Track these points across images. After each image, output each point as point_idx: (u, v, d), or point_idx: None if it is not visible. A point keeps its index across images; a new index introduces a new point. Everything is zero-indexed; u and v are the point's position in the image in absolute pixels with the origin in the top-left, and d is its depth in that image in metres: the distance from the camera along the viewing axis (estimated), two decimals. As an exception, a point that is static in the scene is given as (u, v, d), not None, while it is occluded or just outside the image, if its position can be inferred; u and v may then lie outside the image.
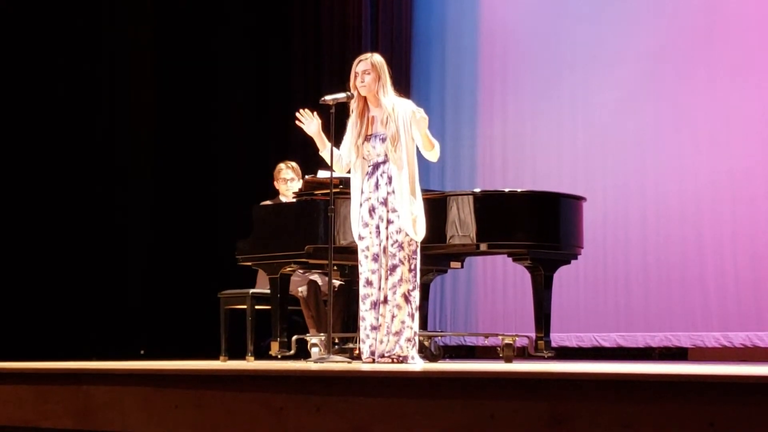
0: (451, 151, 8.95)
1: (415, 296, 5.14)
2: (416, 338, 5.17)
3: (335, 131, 5.40)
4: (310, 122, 5.37)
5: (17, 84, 8.31)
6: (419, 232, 5.14)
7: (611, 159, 8.18)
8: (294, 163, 6.95)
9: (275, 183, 6.94)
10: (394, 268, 5.11)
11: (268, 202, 6.73)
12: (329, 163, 5.39)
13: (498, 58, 8.89)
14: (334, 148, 5.35)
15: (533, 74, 8.65)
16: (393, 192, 5.14)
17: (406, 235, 5.11)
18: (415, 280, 5.14)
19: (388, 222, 5.15)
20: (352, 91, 5.25)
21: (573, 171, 8.30)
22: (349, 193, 5.58)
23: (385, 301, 5.12)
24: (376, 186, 5.19)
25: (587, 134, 8.34)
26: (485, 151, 8.88)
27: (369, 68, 5.19)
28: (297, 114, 5.40)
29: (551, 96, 8.52)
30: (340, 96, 5.33)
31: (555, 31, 8.58)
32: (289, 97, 9.13)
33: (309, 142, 6.02)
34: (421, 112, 5.14)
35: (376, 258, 5.16)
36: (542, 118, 8.57)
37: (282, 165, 6.95)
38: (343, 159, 5.35)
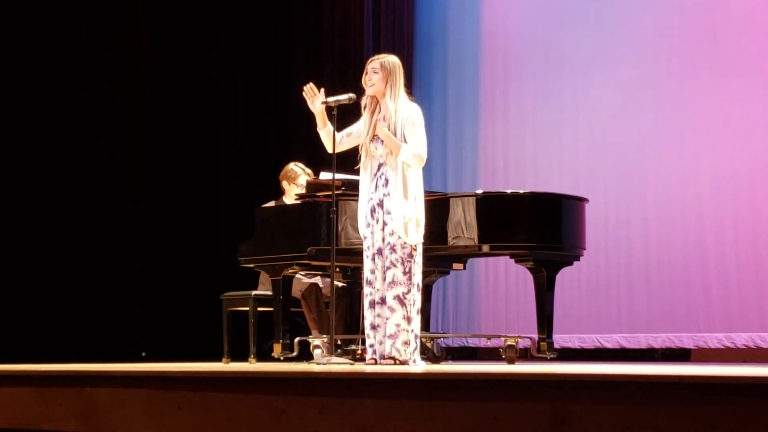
0: (453, 152, 8.95)
1: (412, 299, 5.08)
2: (417, 341, 5.14)
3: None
4: (315, 98, 5.32)
5: (16, 85, 8.29)
6: (412, 235, 5.11)
7: (613, 160, 8.18)
8: (309, 170, 6.75)
9: (285, 182, 6.77)
10: (387, 269, 5.11)
11: (272, 203, 6.67)
12: (325, 144, 5.35)
13: (499, 59, 8.88)
14: (336, 132, 5.32)
15: (535, 75, 8.64)
16: (388, 194, 5.14)
17: (399, 237, 5.10)
18: (411, 283, 5.08)
19: (384, 224, 5.15)
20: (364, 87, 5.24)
21: (575, 172, 8.29)
22: (350, 195, 5.58)
23: (383, 302, 5.13)
24: (376, 187, 5.20)
25: (589, 135, 8.33)
26: (487, 153, 8.87)
27: (378, 68, 5.17)
28: (304, 87, 5.35)
29: (553, 97, 8.52)
30: (343, 98, 5.32)
31: (556, 33, 8.58)
32: (290, 98, 9.13)
33: (310, 143, 6.02)
34: (380, 120, 5.14)
35: (374, 258, 5.18)
36: (544, 120, 8.57)
37: (298, 169, 6.74)
38: (343, 142, 5.33)
